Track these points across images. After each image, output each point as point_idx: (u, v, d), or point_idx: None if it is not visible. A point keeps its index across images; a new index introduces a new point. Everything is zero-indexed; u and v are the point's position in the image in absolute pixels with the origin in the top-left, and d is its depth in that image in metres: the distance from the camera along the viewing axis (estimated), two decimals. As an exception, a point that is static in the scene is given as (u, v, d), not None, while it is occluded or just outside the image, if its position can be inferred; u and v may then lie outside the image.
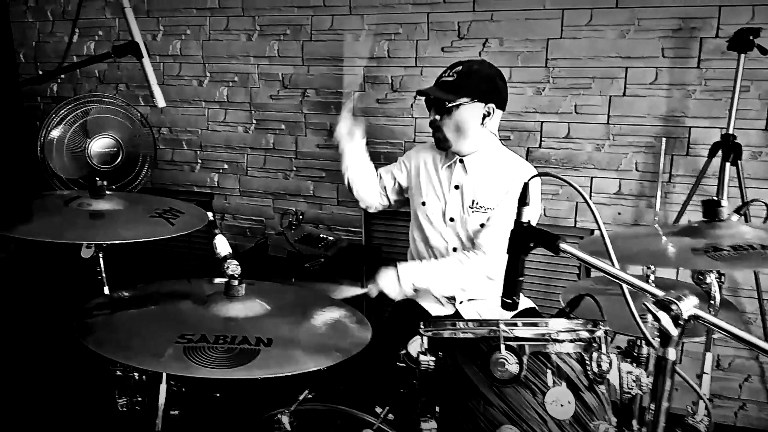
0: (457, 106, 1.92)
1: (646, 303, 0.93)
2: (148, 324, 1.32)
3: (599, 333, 1.14)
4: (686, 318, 0.89)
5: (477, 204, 1.98)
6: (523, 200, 1.09)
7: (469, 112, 1.93)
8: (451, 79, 1.93)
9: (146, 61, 1.66)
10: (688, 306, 0.90)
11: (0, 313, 2.90)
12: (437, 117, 1.95)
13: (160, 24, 3.25)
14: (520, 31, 2.65)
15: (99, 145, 2.96)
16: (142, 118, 3.05)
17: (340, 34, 2.95)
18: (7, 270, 3.26)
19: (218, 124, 3.29)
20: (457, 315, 1.98)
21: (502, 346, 1.09)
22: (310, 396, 1.56)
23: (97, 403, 1.87)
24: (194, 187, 3.38)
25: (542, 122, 2.68)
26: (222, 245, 1.85)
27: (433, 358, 1.18)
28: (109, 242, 1.71)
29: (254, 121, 3.20)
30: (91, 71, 3.46)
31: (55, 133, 2.91)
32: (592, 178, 2.63)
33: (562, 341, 1.13)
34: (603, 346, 1.14)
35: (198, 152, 3.36)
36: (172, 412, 1.70)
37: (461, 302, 2.04)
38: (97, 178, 1.78)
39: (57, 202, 1.79)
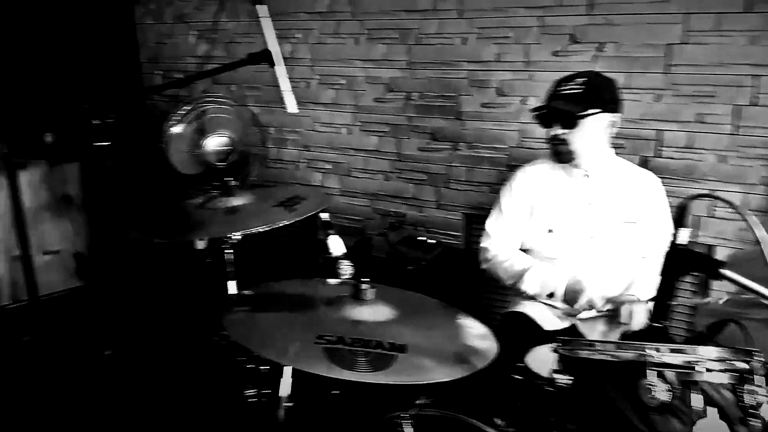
0: (585, 117, 1.87)
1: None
2: (286, 323, 1.39)
3: (755, 363, 1.08)
4: None
5: (620, 215, 1.95)
6: (680, 221, 1.05)
7: (597, 122, 1.89)
8: (578, 90, 1.87)
9: (280, 68, 1.73)
10: None
11: (121, 304, 3.11)
12: (565, 131, 1.90)
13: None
14: (639, 35, 2.54)
15: (214, 143, 3.10)
16: (252, 117, 3.18)
17: (448, 38, 2.94)
18: (127, 259, 3.50)
19: (323, 125, 3.38)
20: (573, 330, 1.93)
21: (651, 372, 1.06)
22: (427, 402, 1.58)
23: (224, 392, 1.97)
24: (298, 186, 3.49)
25: (660, 130, 2.57)
26: (336, 245, 1.90)
27: (571, 378, 1.16)
28: (239, 234, 1.85)
29: (358, 123, 3.27)
30: (205, 71, 3.65)
31: (175, 131, 3.09)
32: (712, 191, 2.49)
33: (713, 371, 1.09)
34: (758, 377, 1.08)
35: (302, 152, 3.47)
36: (286, 404, 1.77)
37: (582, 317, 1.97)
38: (229, 178, 1.88)
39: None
